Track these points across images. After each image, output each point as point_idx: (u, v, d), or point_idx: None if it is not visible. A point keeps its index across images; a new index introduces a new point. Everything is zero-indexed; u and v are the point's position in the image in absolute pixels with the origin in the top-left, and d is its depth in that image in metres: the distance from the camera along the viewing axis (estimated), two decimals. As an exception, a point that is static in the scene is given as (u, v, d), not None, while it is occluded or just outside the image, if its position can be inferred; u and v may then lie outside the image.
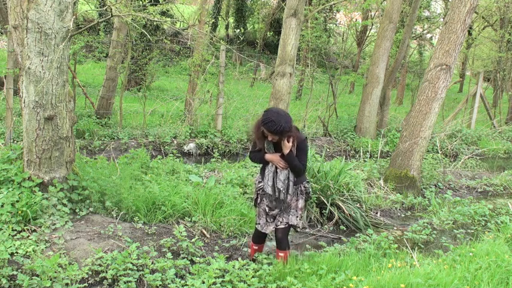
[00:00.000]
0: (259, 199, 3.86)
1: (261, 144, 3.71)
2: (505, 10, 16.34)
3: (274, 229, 3.83)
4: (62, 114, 4.27)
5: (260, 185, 3.84)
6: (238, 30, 23.19)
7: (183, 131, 9.13)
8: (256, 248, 4.03)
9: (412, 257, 4.23)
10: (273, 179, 3.73)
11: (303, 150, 3.71)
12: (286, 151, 3.63)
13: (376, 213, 6.11)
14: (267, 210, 3.81)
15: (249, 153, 3.96)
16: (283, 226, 3.80)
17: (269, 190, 3.74)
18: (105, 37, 14.90)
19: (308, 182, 3.89)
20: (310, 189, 3.92)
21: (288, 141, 3.60)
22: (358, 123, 11.00)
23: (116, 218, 4.59)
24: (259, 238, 3.99)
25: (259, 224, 3.86)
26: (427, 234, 5.29)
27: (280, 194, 3.71)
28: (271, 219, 3.83)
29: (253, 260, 3.99)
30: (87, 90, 10.56)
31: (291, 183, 3.72)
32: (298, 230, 3.97)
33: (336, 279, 3.57)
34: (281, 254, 3.85)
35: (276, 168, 3.72)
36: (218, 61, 9.60)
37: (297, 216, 3.82)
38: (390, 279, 3.54)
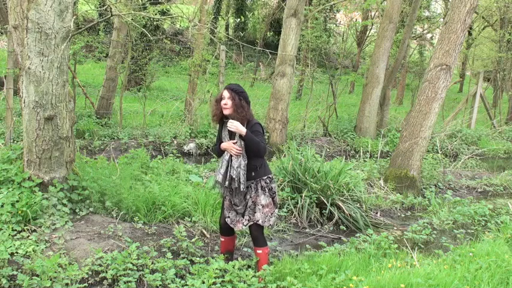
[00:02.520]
0: (224, 193, 3.82)
1: (217, 119, 3.72)
2: (505, 10, 16.35)
3: (243, 228, 3.75)
4: (62, 114, 4.27)
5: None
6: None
7: (183, 131, 9.13)
8: (223, 240, 3.96)
9: (412, 257, 4.23)
10: (226, 166, 3.68)
11: (258, 131, 3.65)
12: (243, 132, 3.54)
13: (376, 213, 6.11)
14: (232, 204, 3.76)
15: (212, 146, 3.98)
16: (251, 223, 3.72)
17: (219, 178, 3.69)
18: (105, 37, 14.88)
19: (270, 178, 3.77)
20: (273, 185, 3.80)
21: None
22: (358, 123, 11.00)
23: (116, 218, 4.59)
24: (226, 230, 3.91)
25: (228, 217, 3.78)
26: (427, 234, 5.29)
27: (232, 182, 3.64)
28: (241, 215, 3.75)
29: (227, 259, 3.89)
30: (87, 90, 10.56)
31: (241, 172, 3.63)
32: (260, 225, 3.78)
33: (336, 279, 3.56)
34: (259, 251, 3.77)
35: (231, 156, 3.67)
36: (218, 61, 9.60)
37: (262, 213, 3.69)
38: (390, 279, 3.54)
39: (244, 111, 3.59)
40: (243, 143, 3.63)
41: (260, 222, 3.70)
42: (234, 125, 3.51)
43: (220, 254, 3.94)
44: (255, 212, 3.71)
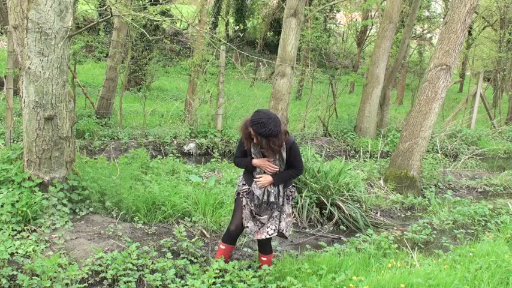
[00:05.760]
0: (244, 201, 3.71)
1: (248, 144, 3.58)
2: (505, 10, 16.36)
3: (266, 237, 3.68)
4: (62, 114, 4.27)
5: (245, 187, 3.71)
6: (238, 26, 23.17)
7: (183, 131, 9.13)
8: (223, 247, 3.80)
9: (412, 257, 4.23)
10: None
11: (296, 151, 3.61)
12: (270, 171, 3.57)
13: (376, 213, 6.11)
14: (254, 214, 3.68)
15: (234, 158, 3.81)
16: (275, 234, 3.71)
17: (258, 193, 3.60)
18: (105, 37, 14.90)
19: (293, 186, 3.84)
20: (296, 194, 3.87)
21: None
22: (358, 123, 11.00)
23: (116, 218, 4.59)
24: (232, 239, 3.81)
25: (247, 227, 3.69)
26: (427, 234, 5.29)
27: (270, 196, 3.60)
28: (260, 225, 3.69)
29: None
30: (87, 90, 10.56)
31: (280, 186, 3.66)
32: (286, 237, 3.87)
33: (336, 279, 3.56)
34: (264, 259, 3.80)
35: (265, 172, 3.61)
36: (218, 61, 9.60)
37: (286, 222, 3.74)
38: (390, 279, 3.54)
39: (276, 146, 3.45)
40: (281, 162, 3.60)
41: (284, 231, 3.74)
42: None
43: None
44: (280, 222, 3.73)
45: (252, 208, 3.67)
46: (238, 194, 3.80)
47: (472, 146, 11.40)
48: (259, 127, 3.34)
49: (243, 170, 3.81)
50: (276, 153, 3.52)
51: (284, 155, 3.58)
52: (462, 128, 12.36)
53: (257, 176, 3.64)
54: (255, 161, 3.61)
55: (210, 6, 20.69)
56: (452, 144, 10.97)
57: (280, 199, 3.67)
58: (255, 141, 3.50)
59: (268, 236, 3.69)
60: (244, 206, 3.71)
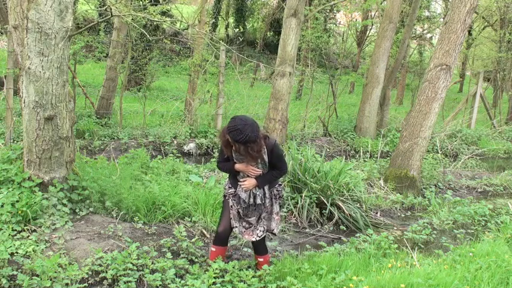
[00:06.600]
0: (230, 203, 3.70)
1: (228, 152, 3.54)
2: (505, 10, 16.36)
3: (256, 239, 3.67)
4: (62, 114, 4.27)
5: (231, 191, 3.70)
6: (237, 29, 23.23)
7: (183, 131, 9.13)
8: (214, 250, 3.78)
9: (412, 257, 4.23)
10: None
11: (278, 153, 3.59)
12: (253, 175, 3.58)
13: (376, 213, 6.10)
14: (241, 215, 3.68)
15: (217, 163, 3.80)
16: (264, 234, 3.71)
17: (244, 196, 3.60)
18: (105, 37, 14.89)
19: (280, 184, 3.81)
20: (283, 192, 3.84)
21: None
22: (358, 123, 11.00)
23: (116, 218, 4.59)
24: (222, 240, 3.79)
25: (236, 227, 3.69)
26: (427, 234, 5.29)
27: (256, 198, 3.60)
28: (248, 225, 3.69)
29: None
30: (87, 90, 10.56)
31: (266, 189, 3.66)
32: (275, 235, 3.88)
33: (336, 279, 3.56)
34: (260, 260, 3.80)
35: (248, 176, 3.61)
36: (218, 61, 9.60)
37: (275, 221, 3.75)
38: (390, 279, 3.54)
39: (255, 152, 3.38)
40: (263, 165, 3.58)
41: (274, 230, 3.75)
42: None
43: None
44: (270, 221, 3.74)
45: (240, 210, 3.68)
46: (225, 196, 3.80)
47: (472, 146, 11.40)
48: (236, 134, 3.28)
49: (229, 174, 3.81)
50: (255, 159, 3.48)
51: (266, 158, 3.55)
52: (462, 128, 12.36)
53: (241, 179, 3.64)
54: (237, 166, 3.59)
55: (210, 6, 20.70)
56: (452, 144, 10.97)
57: (267, 200, 3.67)
58: (233, 148, 3.47)
59: (257, 238, 3.69)
60: (231, 206, 3.71)
